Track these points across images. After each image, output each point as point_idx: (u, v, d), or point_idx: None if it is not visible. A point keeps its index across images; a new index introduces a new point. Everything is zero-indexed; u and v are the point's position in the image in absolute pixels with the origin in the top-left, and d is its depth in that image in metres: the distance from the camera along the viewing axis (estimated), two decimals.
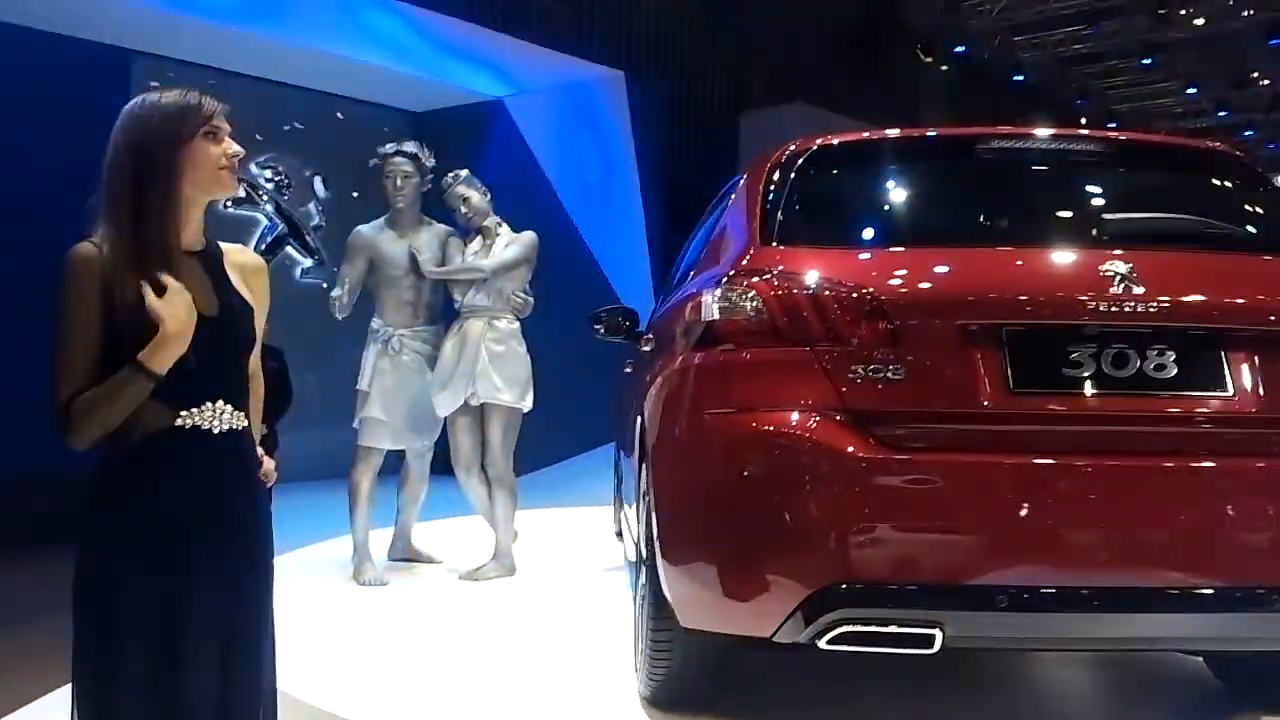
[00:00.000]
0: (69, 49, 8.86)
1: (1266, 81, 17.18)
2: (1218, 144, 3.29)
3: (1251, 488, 2.45)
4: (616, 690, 3.32)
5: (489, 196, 5.36)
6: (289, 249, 10.63)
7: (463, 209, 5.29)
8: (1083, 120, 18.06)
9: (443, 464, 5.47)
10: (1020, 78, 16.24)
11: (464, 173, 5.36)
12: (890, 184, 3.07)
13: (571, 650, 3.85)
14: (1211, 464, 2.44)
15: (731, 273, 2.72)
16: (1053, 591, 2.39)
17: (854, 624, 2.41)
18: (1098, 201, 3.02)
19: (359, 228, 5.41)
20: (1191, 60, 16.45)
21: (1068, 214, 2.94)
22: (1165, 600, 2.39)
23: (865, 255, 2.75)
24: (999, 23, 15.25)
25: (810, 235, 2.83)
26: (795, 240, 2.79)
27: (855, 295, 2.53)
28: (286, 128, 10.73)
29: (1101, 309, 2.48)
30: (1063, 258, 2.65)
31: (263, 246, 10.60)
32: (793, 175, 2.98)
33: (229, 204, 10.56)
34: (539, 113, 11.07)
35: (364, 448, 5.22)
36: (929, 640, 2.38)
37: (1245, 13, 14.57)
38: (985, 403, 2.46)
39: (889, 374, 2.47)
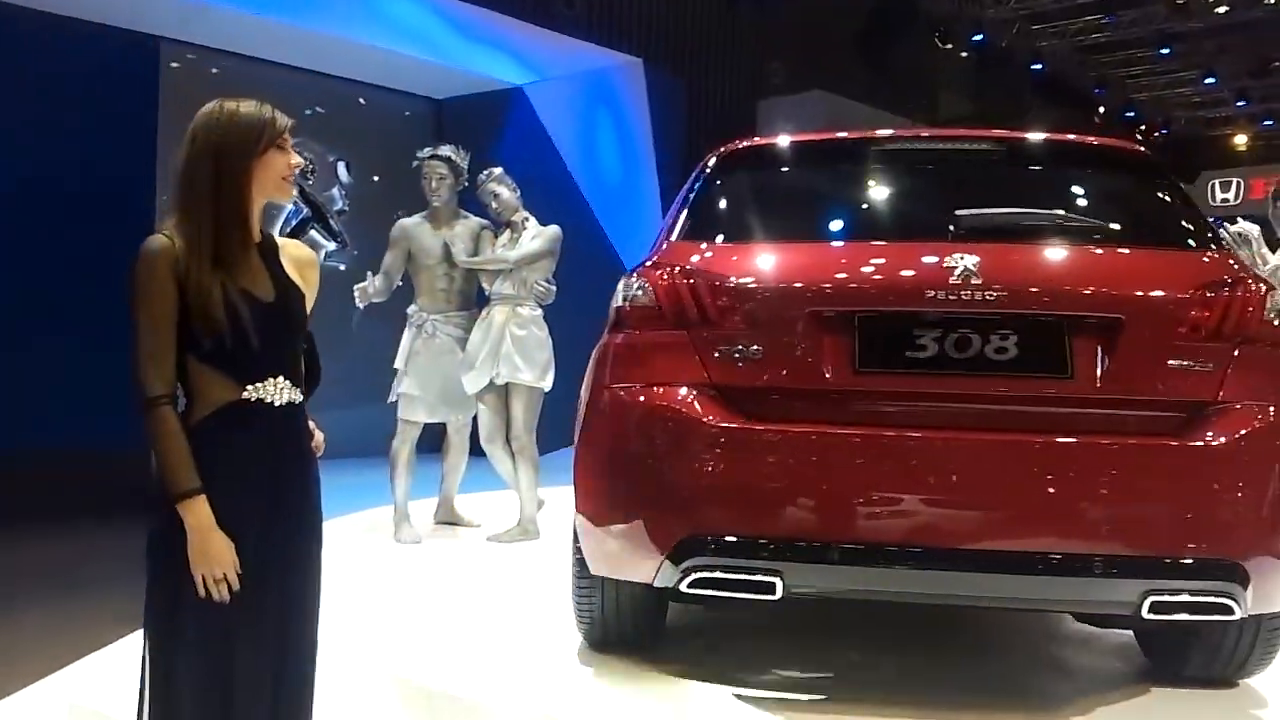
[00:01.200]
0: (98, 35, 9.04)
1: None
2: (1117, 141, 3.43)
3: (1081, 462, 2.64)
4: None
5: (518, 193, 5.72)
6: (313, 233, 10.79)
7: (493, 204, 5.68)
8: (1101, 109, 18.08)
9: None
10: (1039, 66, 16.23)
11: (497, 170, 5.74)
12: (784, 185, 3.38)
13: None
14: (1042, 439, 2.64)
15: (642, 265, 3.08)
16: (880, 549, 2.66)
17: (708, 571, 2.71)
18: (968, 199, 3.20)
19: (400, 220, 5.84)
20: (1210, 50, 16.43)
21: (936, 211, 3.15)
22: (987, 561, 2.61)
23: (748, 249, 3.04)
24: (1017, 11, 15.27)
25: (715, 232, 3.15)
26: (702, 236, 3.11)
27: (726, 285, 2.84)
28: (310, 113, 10.88)
29: (940, 298, 2.72)
30: (916, 252, 2.88)
31: (287, 230, 10.78)
32: (711, 176, 3.32)
33: None
34: (558, 100, 11.21)
35: (402, 420, 5.70)
36: (771, 587, 2.69)
37: (1269, 0, 14.54)
38: (832, 380, 2.75)
39: (752, 354, 2.79)
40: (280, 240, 2.27)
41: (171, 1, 8.92)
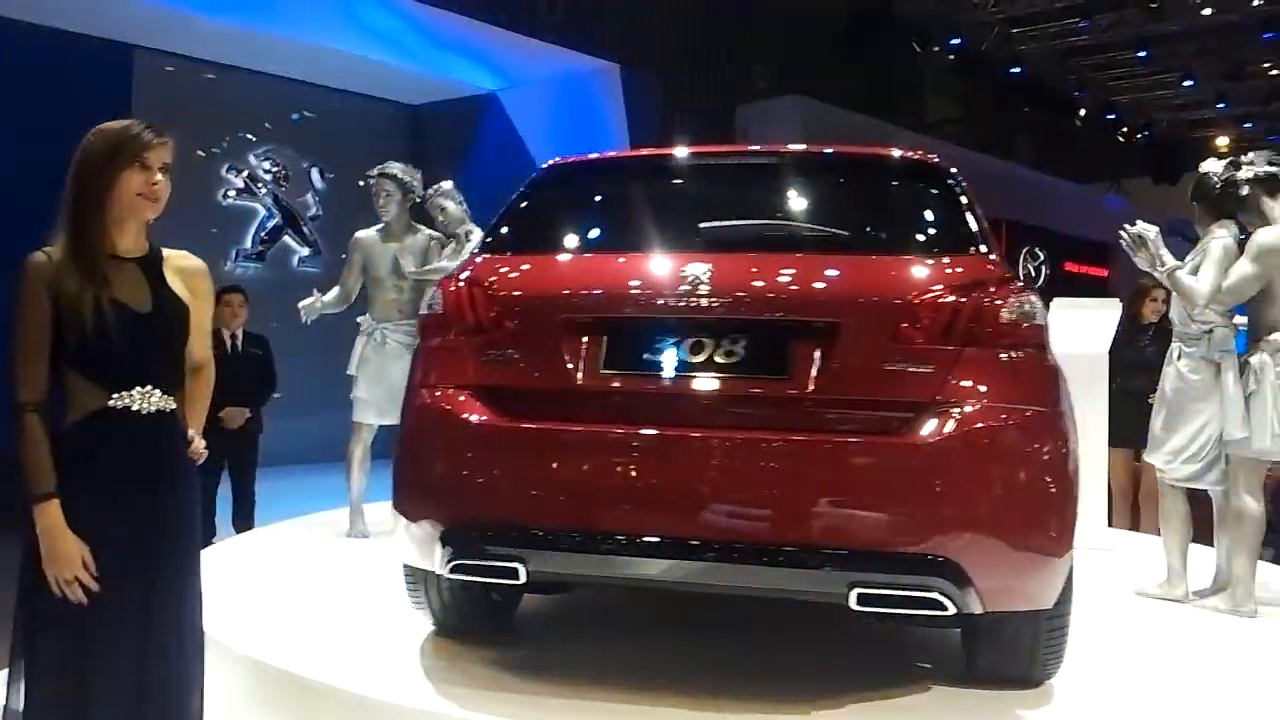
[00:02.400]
0: (71, 44, 9.15)
1: (1277, 73, 17.20)
2: (890, 149, 3.51)
3: (794, 459, 2.74)
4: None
5: (465, 206, 5.91)
6: (286, 238, 10.91)
7: (440, 217, 5.94)
8: (1082, 112, 18.15)
9: None
10: (1017, 70, 16.30)
11: (445, 185, 5.96)
12: (573, 200, 3.57)
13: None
14: (761, 437, 2.77)
15: (449, 277, 3.29)
16: (608, 537, 2.81)
17: (462, 558, 2.91)
18: (729, 212, 3.36)
19: (357, 234, 6.04)
20: (1188, 53, 16.47)
21: (692, 224, 3.31)
22: (705, 551, 2.74)
23: (527, 261, 3.25)
24: (994, 15, 15.33)
25: (517, 244, 3.33)
26: (506, 249, 3.31)
27: (498, 295, 3.05)
28: (286, 120, 11.01)
29: (674, 305, 2.89)
30: (662, 262, 3.03)
31: (261, 236, 10.90)
32: (521, 194, 3.53)
33: (231, 194, 10.88)
34: (533, 105, 11.31)
35: (355, 423, 5.91)
36: (514, 573, 2.86)
37: (1255, 2, 14.57)
38: (580, 381, 2.92)
39: (515, 358, 2.99)
40: (167, 252, 2.37)
41: (144, 10, 9.02)
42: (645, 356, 2.91)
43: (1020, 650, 3.05)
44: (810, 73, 14.01)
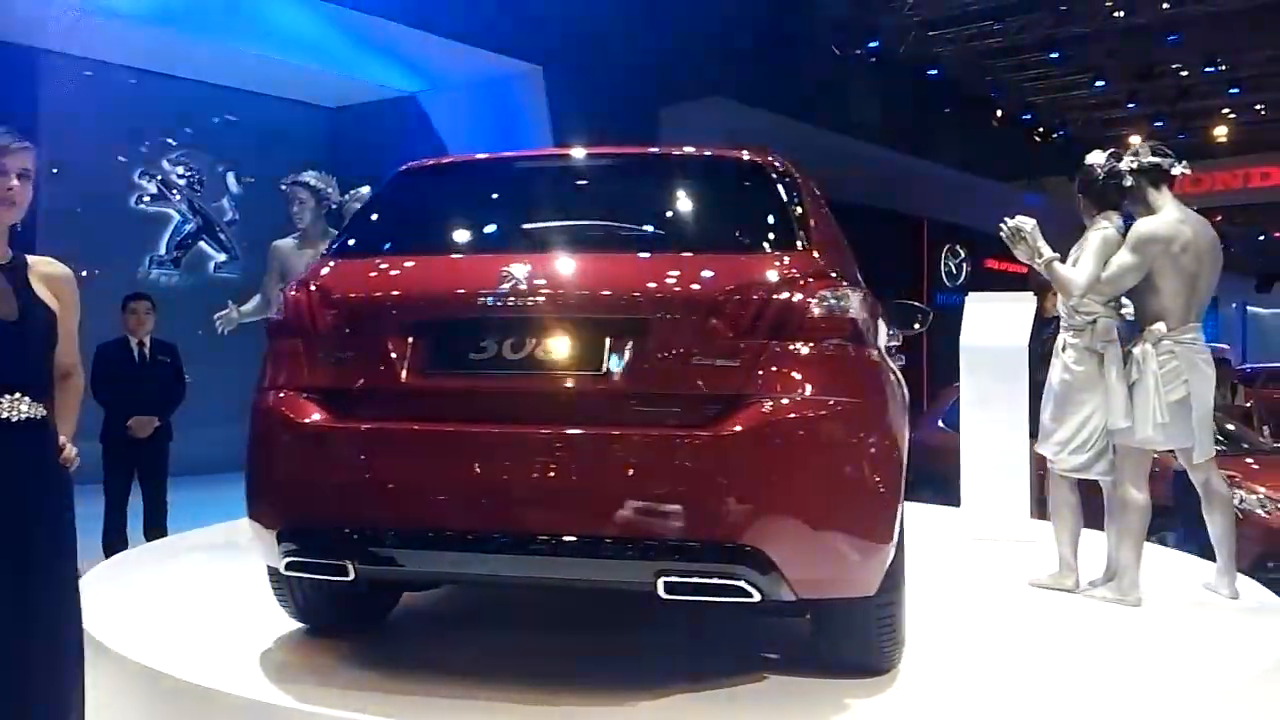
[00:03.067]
0: None
1: (1185, 74, 17.76)
2: (715, 149, 3.59)
3: (604, 452, 2.83)
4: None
5: None
6: (203, 244, 10.76)
7: None
8: (998, 112, 18.56)
9: None
10: (934, 72, 16.64)
11: (362, 190, 5.98)
12: (420, 203, 3.60)
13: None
14: (575, 430, 2.85)
15: (291, 282, 3.34)
16: (430, 534, 2.89)
17: (294, 555, 2.98)
18: (561, 213, 3.46)
19: (275, 242, 6.03)
20: (1099, 54, 16.95)
21: (519, 225, 3.44)
22: (522, 544, 2.82)
23: (365, 263, 3.28)
24: (910, 17, 15.63)
25: (364, 247, 3.38)
26: (355, 252, 3.35)
27: (333, 297, 3.10)
28: (201, 124, 10.84)
29: (494, 304, 2.96)
30: (486, 263, 3.09)
31: (176, 241, 10.73)
32: (379, 195, 3.63)
33: (145, 200, 10.69)
34: (454, 108, 11.28)
35: None
36: (344, 570, 2.93)
37: (1162, 5, 15.01)
38: (405, 381, 2.97)
39: (346, 359, 3.04)
40: (31, 259, 2.37)
41: (49, 12, 8.84)
42: (469, 355, 2.97)
43: (852, 637, 3.12)
44: (732, 75, 14.13)
